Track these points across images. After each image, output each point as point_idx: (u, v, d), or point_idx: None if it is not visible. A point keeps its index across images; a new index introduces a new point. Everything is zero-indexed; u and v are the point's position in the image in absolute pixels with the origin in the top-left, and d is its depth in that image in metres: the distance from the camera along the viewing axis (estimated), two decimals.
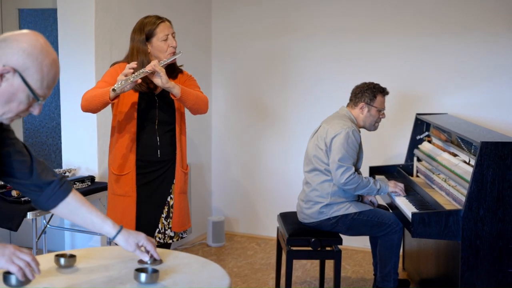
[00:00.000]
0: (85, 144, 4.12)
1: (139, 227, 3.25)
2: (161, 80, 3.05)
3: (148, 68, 3.04)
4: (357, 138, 3.70)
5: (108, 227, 2.07)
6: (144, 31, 3.21)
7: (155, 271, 1.92)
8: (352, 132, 3.67)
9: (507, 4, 4.64)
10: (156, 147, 3.27)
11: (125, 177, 3.25)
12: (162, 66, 3.13)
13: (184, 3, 5.12)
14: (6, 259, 1.77)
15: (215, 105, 5.60)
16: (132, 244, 2.06)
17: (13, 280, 1.78)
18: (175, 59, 3.24)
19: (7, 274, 1.78)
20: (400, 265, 4.51)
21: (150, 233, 3.28)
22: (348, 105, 3.94)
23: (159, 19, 3.25)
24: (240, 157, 5.57)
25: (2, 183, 3.55)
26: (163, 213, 3.32)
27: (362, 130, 3.92)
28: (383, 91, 3.88)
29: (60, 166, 4.51)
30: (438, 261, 3.71)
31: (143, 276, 1.87)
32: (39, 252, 3.82)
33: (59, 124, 4.65)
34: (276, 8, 5.31)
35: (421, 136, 4.41)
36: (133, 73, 3.01)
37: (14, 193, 3.50)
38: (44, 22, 4.91)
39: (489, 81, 4.73)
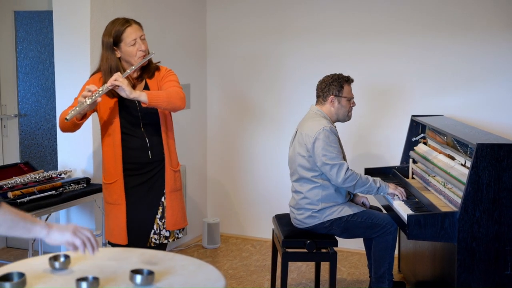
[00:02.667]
0: (80, 146, 4.11)
1: (132, 232, 3.25)
2: (125, 93, 3.00)
3: (108, 84, 3.00)
4: (335, 133, 3.70)
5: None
6: (112, 35, 3.17)
7: (151, 273, 1.91)
8: (329, 129, 3.66)
9: (504, 5, 4.64)
10: (147, 148, 3.25)
11: (113, 185, 3.25)
12: (131, 71, 3.12)
13: (178, 4, 5.11)
14: (71, 231, 2.00)
15: (210, 107, 5.59)
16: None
17: (7, 286, 1.77)
18: (145, 62, 3.20)
19: (1, 281, 1.78)
20: (396, 267, 4.52)
21: (144, 236, 3.27)
22: (317, 103, 3.89)
23: (127, 23, 3.18)
24: (235, 159, 5.56)
25: None
26: (157, 214, 3.30)
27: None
28: (348, 80, 3.85)
29: (55, 167, 4.50)
30: (434, 263, 3.71)
31: (138, 278, 1.87)
32: (35, 253, 3.80)
33: (54, 125, 4.64)
34: (269, 9, 5.29)
35: (417, 138, 4.41)
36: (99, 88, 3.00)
37: (10, 194, 3.49)
38: (40, 24, 4.90)
39: (485, 82, 4.73)
